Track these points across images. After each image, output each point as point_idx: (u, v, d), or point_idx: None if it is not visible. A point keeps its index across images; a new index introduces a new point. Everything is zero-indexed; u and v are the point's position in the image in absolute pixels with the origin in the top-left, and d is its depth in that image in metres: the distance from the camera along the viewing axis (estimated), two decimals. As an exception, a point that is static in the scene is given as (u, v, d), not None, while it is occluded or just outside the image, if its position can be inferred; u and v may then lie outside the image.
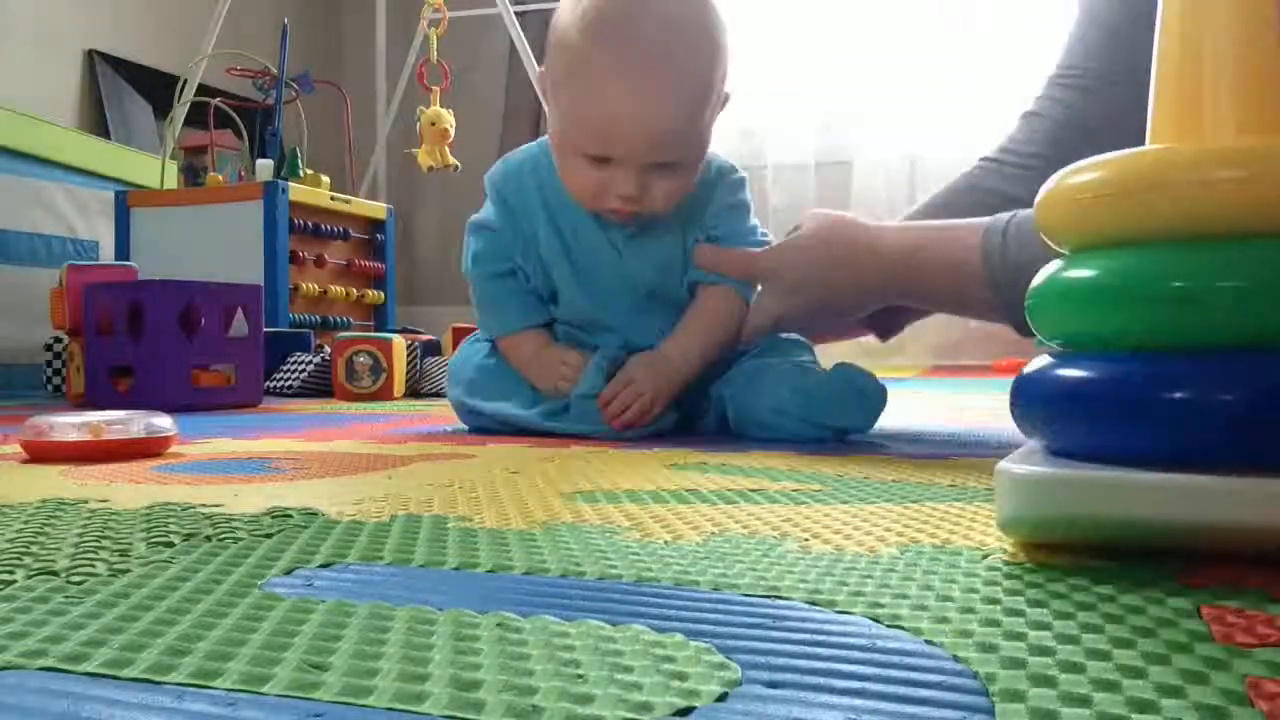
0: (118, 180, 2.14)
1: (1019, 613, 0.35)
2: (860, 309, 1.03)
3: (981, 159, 1.14)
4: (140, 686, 0.29)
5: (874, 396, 0.99)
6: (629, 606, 0.36)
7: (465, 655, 0.31)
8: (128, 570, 0.42)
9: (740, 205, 1.08)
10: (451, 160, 2.33)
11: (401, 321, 2.40)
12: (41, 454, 0.82)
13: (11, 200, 1.95)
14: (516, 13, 2.60)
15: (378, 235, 2.21)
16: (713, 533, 0.50)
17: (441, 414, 1.33)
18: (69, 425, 0.84)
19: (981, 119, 2.91)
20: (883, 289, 0.98)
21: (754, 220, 1.09)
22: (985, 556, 0.44)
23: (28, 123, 2.00)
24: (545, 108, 1.08)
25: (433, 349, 1.83)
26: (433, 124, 2.30)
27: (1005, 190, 1.07)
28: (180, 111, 2.09)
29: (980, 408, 1.41)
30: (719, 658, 0.30)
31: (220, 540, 0.48)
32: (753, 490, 0.64)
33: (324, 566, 0.43)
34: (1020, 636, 0.32)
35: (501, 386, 1.05)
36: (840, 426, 0.97)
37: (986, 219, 0.92)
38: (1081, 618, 0.34)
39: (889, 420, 1.19)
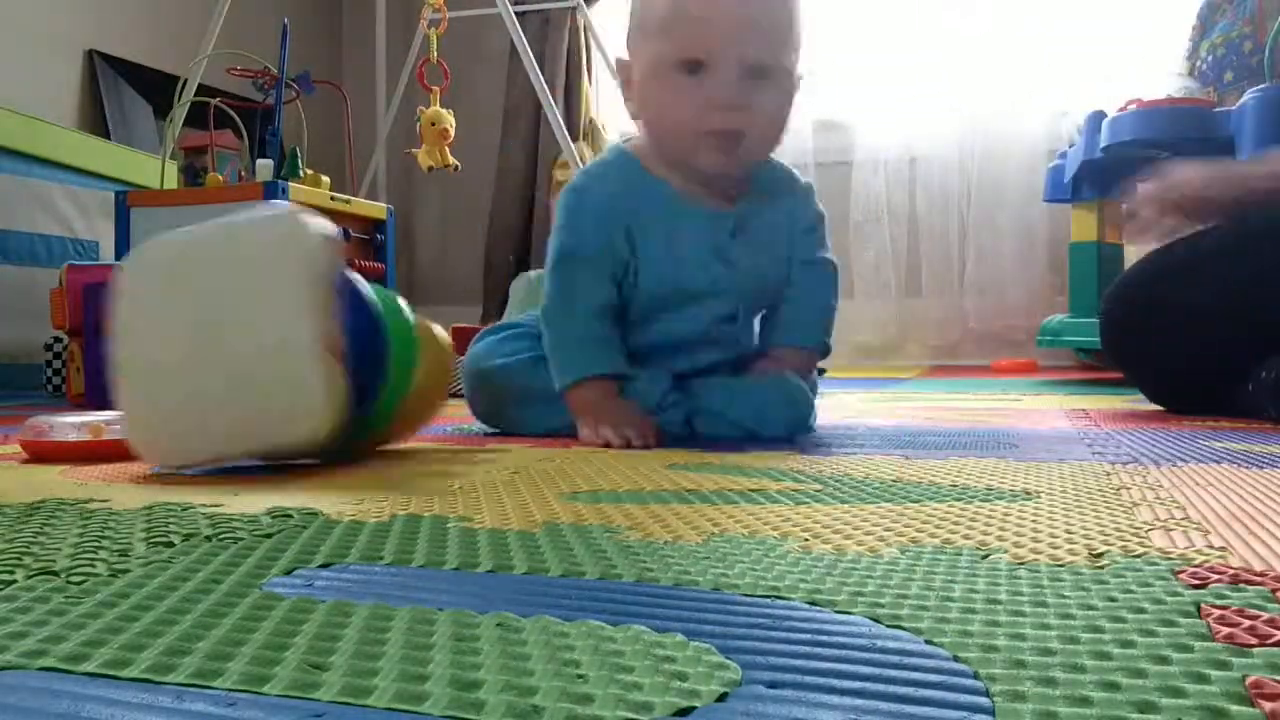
0: (118, 180, 2.14)
1: (1020, 613, 0.35)
2: None
3: None
4: (140, 686, 0.29)
5: (798, 405, 1.00)
6: (629, 606, 0.36)
7: (465, 655, 0.31)
8: (128, 570, 0.42)
9: (819, 223, 1.08)
10: (451, 160, 2.33)
11: (401, 321, 2.39)
12: (41, 454, 0.82)
13: (11, 200, 1.95)
14: (516, 13, 2.60)
15: (378, 235, 2.21)
16: (713, 533, 0.50)
17: (442, 413, 1.33)
18: (69, 425, 0.84)
19: (981, 119, 2.92)
20: None
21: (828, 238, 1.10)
22: (986, 556, 0.44)
23: (28, 123, 2.00)
24: (627, 77, 1.02)
25: (433, 349, 1.83)
26: (433, 124, 2.30)
27: None
28: (180, 111, 2.09)
29: (980, 408, 1.41)
30: (719, 658, 0.30)
31: (220, 540, 0.48)
32: (753, 490, 0.64)
33: (324, 566, 0.43)
34: (1021, 637, 0.32)
35: (521, 388, 1.04)
36: (761, 431, 0.98)
37: None
38: (1082, 618, 0.34)
39: (888, 420, 1.19)
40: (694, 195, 1.01)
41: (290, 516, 0.54)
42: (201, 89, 2.24)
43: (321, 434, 0.72)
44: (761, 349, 1.08)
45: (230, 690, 0.28)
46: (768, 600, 0.37)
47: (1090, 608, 0.35)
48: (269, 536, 0.49)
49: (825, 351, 1.08)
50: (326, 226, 0.74)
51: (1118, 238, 2.33)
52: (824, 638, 0.32)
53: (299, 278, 0.72)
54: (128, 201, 1.98)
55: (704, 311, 1.03)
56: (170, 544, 0.47)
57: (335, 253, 0.74)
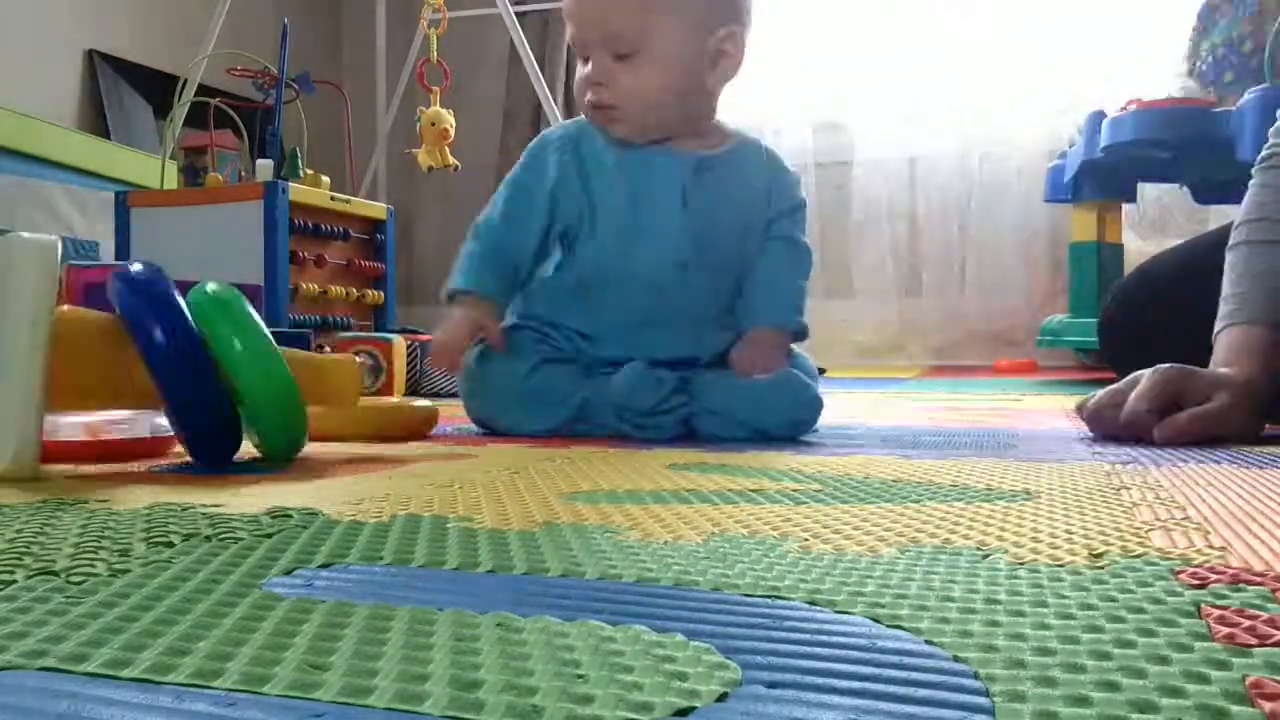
0: (118, 180, 2.14)
1: (1020, 613, 0.35)
2: None
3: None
4: (140, 686, 0.28)
5: (803, 405, 1.00)
6: (629, 606, 0.36)
7: (465, 655, 0.31)
8: (128, 570, 0.42)
9: (800, 208, 1.11)
10: (451, 160, 2.33)
11: (401, 321, 2.40)
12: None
13: (12, 200, 1.96)
14: (516, 13, 2.60)
15: (378, 235, 2.21)
16: (713, 533, 0.50)
17: (441, 414, 1.33)
18: (69, 425, 0.84)
19: (981, 118, 2.92)
20: None
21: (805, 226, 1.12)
22: (986, 556, 0.44)
23: (28, 123, 2.01)
24: None
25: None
26: (433, 124, 2.30)
27: None
28: (180, 111, 2.09)
29: (980, 408, 1.41)
30: (719, 658, 0.30)
31: (220, 540, 0.48)
32: (753, 490, 0.64)
33: (324, 566, 0.43)
34: (1021, 637, 0.32)
35: (517, 392, 1.05)
36: (764, 429, 0.98)
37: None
38: (1082, 618, 0.34)
39: (888, 420, 1.19)
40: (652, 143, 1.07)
41: (290, 516, 0.54)
42: (201, 89, 2.24)
43: None
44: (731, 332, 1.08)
45: (230, 690, 0.28)
46: (768, 600, 0.37)
47: (1090, 608, 0.36)
48: (269, 536, 0.49)
49: (803, 334, 1.08)
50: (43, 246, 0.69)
51: (1118, 237, 2.33)
52: (824, 638, 0.32)
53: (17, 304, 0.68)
54: (128, 202, 1.98)
55: (655, 250, 1.05)
56: (170, 544, 0.47)
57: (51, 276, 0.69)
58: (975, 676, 0.29)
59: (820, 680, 0.28)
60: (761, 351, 1.02)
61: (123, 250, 1.99)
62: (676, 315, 1.06)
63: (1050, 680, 0.28)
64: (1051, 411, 1.33)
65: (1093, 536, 0.48)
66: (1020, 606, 0.36)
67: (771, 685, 0.28)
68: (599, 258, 1.07)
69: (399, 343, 1.64)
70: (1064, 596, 0.37)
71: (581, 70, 1.05)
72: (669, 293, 1.05)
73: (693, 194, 1.05)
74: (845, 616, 0.35)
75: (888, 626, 0.34)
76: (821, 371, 1.61)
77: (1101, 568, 0.42)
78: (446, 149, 2.32)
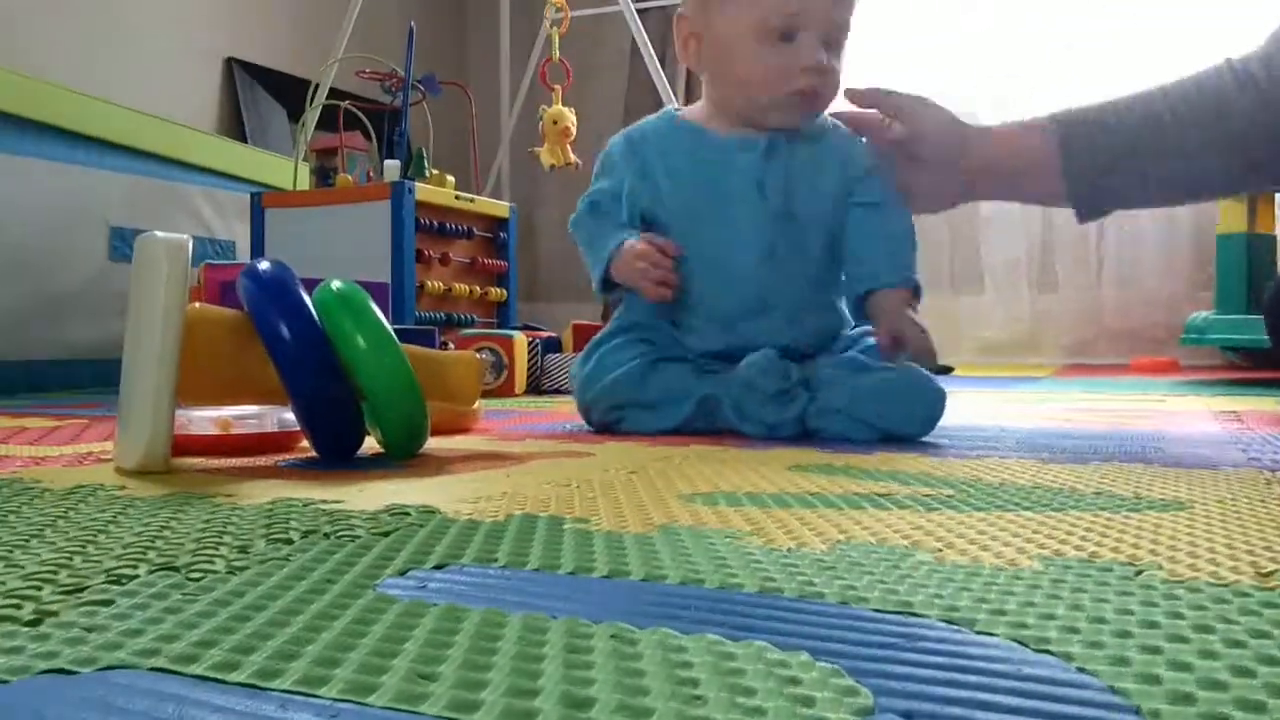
0: (253, 182, 2.21)
1: (1182, 639, 0.32)
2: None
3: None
4: (246, 692, 0.28)
5: (928, 401, 0.95)
6: (750, 620, 0.34)
7: (577, 670, 0.29)
8: (246, 568, 0.42)
9: (876, 170, 1.05)
10: (573, 158, 2.34)
11: (523, 318, 2.42)
12: (174, 447, 0.84)
13: (154, 202, 2.04)
14: (638, 10, 2.60)
15: (501, 233, 2.23)
16: (838, 540, 0.47)
17: (561, 411, 1.33)
18: (202, 419, 0.86)
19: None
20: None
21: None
22: (1139, 573, 0.41)
23: (170, 128, 2.09)
24: (688, 49, 1.08)
25: (553, 346, 1.83)
26: (555, 122, 2.31)
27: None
28: (312, 115, 2.14)
29: (1120, 409, 1.34)
30: (849, 681, 0.28)
31: (338, 538, 0.48)
32: (880, 495, 0.61)
33: (438, 568, 0.42)
34: (1186, 667, 0.29)
35: (632, 400, 1.03)
36: (888, 429, 0.94)
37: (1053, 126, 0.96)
38: (1254, 646, 0.31)
39: (1023, 422, 1.14)
40: (725, 130, 1.06)
41: (408, 514, 0.54)
42: (332, 92, 2.30)
43: (132, 464, 0.71)
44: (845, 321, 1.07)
45: (335, 700, 0.27)
46: (900, 617, 0.35)
47: (1262, 635, 0.32)
48: (386, 535, 0.49)
49: (916, 290, 1.02)
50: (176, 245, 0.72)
51: (1270, 228, 2.20)
52: (963, 661, 0.30)
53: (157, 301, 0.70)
54: (262, 202, 2.05)
55: (741, 242, 1.03)
56: (289, 540, 0.47)
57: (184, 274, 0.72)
58: (1137, 712, 0.26)
59: (962, 711, 0.26)
60: (898, 321, 0.98)
61: (257, 249, 2.06)
62: (772, 304, 1.04)
63: (1224, 718, 0.25)
64: (1199, 413, 1.25)
65: (1257, 552, 0.44)
66: (1182, 631, 0.33)
67: (907, 715, 0.26)
68: (686, 255, 1.05)
69: (520, 339, 1.65)
70: (1231, 621, 0.34)
71: (777, 55, 1.00)
72: (761, 282, 1.04)
73: (767, 180, 1.03)
74: (986, 638, 0.32)
75: (1034, 650, 0.31)
76: (949, 370, 1.56)
77: (1271, 588, 0.38)
78: (569, 147, 2.33)
